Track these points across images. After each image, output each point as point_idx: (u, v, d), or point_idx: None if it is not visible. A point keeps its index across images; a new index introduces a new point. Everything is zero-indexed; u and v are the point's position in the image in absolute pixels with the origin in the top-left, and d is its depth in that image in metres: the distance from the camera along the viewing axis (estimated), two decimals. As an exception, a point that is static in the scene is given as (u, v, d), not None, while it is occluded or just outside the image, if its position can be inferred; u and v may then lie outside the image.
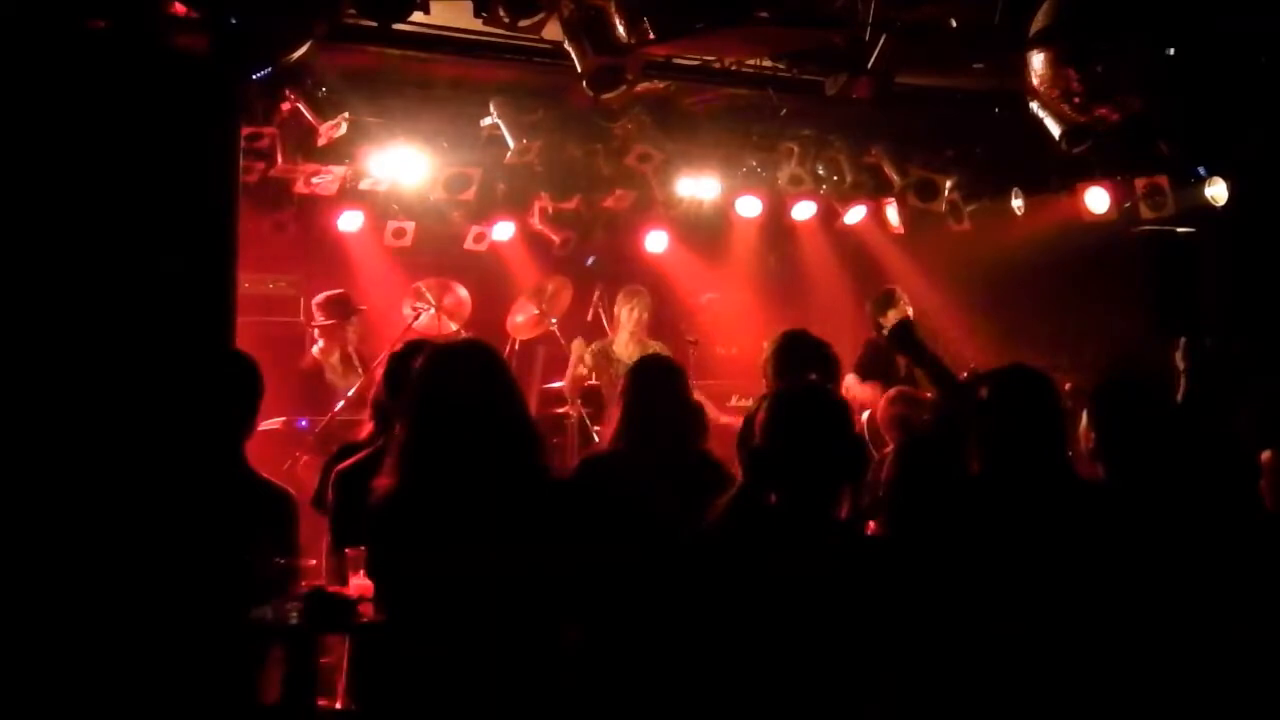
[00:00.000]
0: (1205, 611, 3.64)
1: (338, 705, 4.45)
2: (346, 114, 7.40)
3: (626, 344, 8.39)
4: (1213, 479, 4.00)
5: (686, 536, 3.49)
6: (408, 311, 8.40)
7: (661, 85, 7.45)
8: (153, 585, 3.71)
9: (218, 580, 3.74)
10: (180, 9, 4.91)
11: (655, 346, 8.36)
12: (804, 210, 9.37)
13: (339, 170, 7.87)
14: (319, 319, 8.03)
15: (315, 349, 8.11)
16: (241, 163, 6.08)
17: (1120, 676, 3.55)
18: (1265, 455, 4.49)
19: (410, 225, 8.63)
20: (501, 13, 5.47)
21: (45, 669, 3.92)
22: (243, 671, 3.82)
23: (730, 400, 8.95)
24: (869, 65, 6.04)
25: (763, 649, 3.22)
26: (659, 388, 4.66)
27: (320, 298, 8.10)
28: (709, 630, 3.29)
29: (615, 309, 8.60)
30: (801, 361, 5.12)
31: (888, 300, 8.09)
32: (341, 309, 8.05)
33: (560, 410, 8.40)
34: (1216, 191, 8.08)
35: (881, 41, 5.98)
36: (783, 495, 3.31)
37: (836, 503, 3.35)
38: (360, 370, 7.79)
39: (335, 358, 7.97)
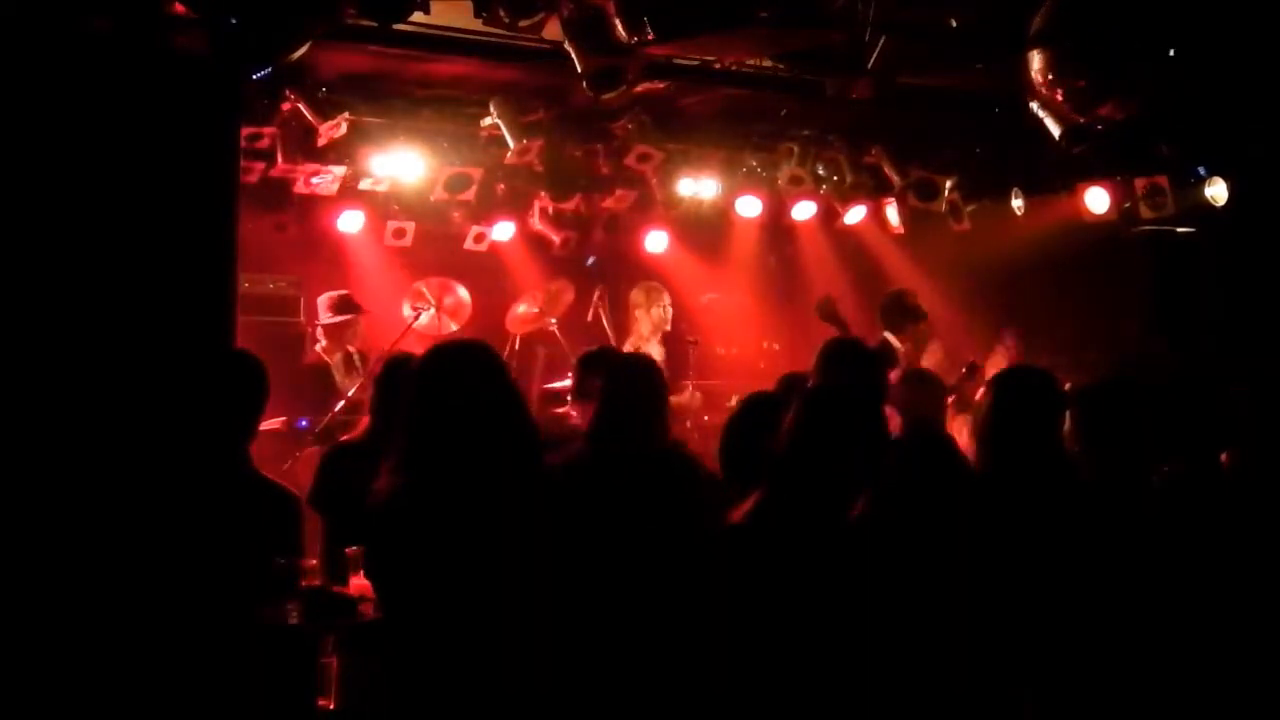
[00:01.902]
0: (1197, 610, 3.65)
1: (331, 706, 4.45)
2: (346, 114, 7.42)
3: (655, 346, 8.36)
4: (1199, 478, 4.01)
5: (701, 538, 3.50)
6: (408, 311, 8.41)
7: (661, 85, 7.44)
8: (156, 585, 3.71)
9: (221, 580, 3.74)
10: (180, 9, 4.91)
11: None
12: (804, 210, 9.36)
13: (339, 170, 7.89)
14: (325, 318, 8.05)
15: (318, 347, 8.13)
16: (241, 163, 6.09)
17: (1116, 674, 3.56)
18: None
19: (410, 225, 8.64)
20: (501, 13, 5.47)
21: (49, 669, 3.92)
22: (245, 671, 3.81)
23: (730, 400, 8.94)
24: (869, 65, 6.04)
25: (777, 645, 3.23)
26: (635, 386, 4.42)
27: (325, 297, 8.12)
28: (719, 629, 3.30)
29: (635, 309, 8.47)
30: (844, 365, 5.03)
31: (902, 309, 7.72)
32: (347, 308, 8.08)
33: (560, 410, 8.37)
34: (1216, 191, 8.07)
35: (881, 41, 5.98)
36: (802, 496, 3.32)
37: (853, 503, 3.35)
38: (361, 370, 7.81)
39: (338, 357, 8.01)
